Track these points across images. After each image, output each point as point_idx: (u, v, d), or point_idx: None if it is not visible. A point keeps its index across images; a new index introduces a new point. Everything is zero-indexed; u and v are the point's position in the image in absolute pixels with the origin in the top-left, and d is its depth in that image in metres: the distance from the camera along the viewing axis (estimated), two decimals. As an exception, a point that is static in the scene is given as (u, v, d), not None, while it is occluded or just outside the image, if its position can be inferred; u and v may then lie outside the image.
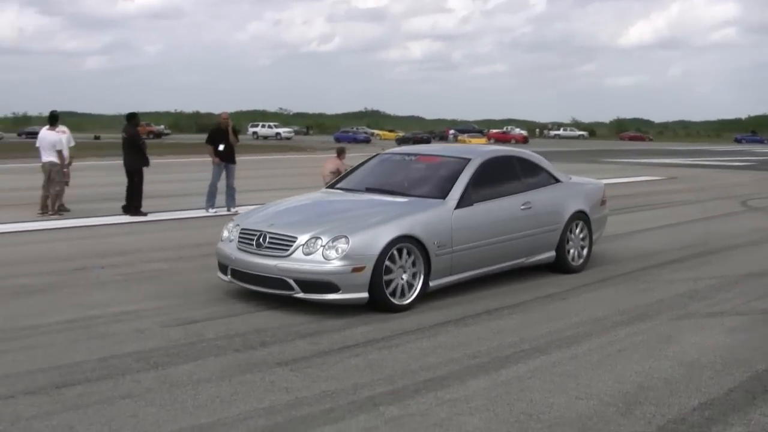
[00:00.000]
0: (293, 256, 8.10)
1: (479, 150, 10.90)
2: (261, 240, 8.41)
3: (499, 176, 9.98)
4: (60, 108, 19.47)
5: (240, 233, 8.74)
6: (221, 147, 17.39)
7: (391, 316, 8.07)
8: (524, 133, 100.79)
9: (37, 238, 13.77)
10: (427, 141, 76.61)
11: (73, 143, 17.31)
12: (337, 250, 7.98)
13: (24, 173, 25.89)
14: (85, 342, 7.06)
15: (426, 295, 8.65)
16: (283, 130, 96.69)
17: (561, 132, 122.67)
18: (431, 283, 8.66)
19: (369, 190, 9.84)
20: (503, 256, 9.65)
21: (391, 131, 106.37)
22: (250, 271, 8.39)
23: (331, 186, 10.68)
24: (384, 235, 8.21)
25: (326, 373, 6.27)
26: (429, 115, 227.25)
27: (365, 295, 8.08)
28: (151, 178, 16.78)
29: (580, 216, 10.75)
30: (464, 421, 5.33)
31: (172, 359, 6.58)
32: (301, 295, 8.04)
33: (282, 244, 8.24)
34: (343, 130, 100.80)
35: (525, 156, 10.85)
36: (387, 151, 11.47)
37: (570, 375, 6.31)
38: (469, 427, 5.21)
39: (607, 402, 5.72)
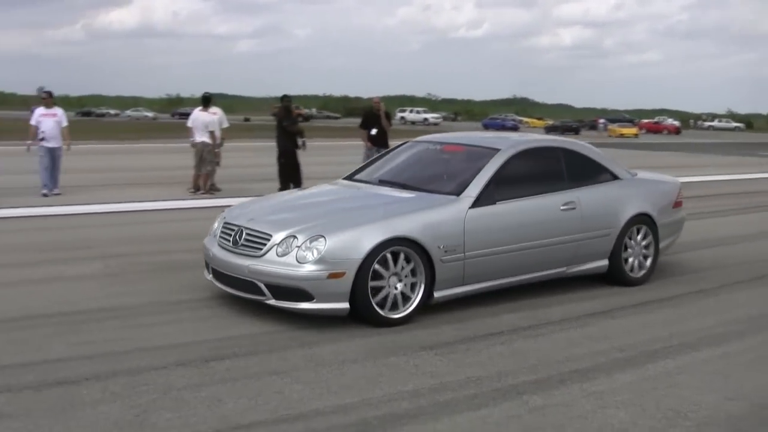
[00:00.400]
0: (266, 256, 7.11)
1: (515, 140, 9.15)
2: (237, 237, 7.49)
3: (536, 171, 8.63)
4: (211, 90, 20.00)
5: (222, 227, 7.89)
6: (374, 131, 17.56)
7: (539, 305, 7.97)
8: (677, 123, 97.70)
9: (189, 216, 14.15)
10: (576, 130, 75.51)
11: (226, 124, 17.75)
12: (313, 252, 6.92)
13: (176, 153, 26.71)
14: (236, 318, 7.27)
15: (570, 283, 8.56)
16: (431, 116, 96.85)
17: (715, 123, 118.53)
18: (437, 294, 7.42)
19: (382, 182, 8.62)
20: (535, 264, 8.21)
21: (539, 119, 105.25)
22: (224, 271, 7.53)
23: (350, 176, 9.24)
24: (371, 236, 7.02)
25: (471, 360, 6.26)
26: (579, 103, 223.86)
27: (345, 305, 6.94)
28: (305, 160, 17.00)
29: (643, 219, 9.11)
30: (610, 414, 5.23)
31: (319, 339, 6.70)
32: (272, 302, 7.07)
33: (256, 243, 7.28)
34: (491, 117, 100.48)
35: (574, 148, 9.19)
36: (418, 138, 10.15)
37: (720, 374, 6.10)
38: (615, 421, 5.12)
39: (759, 404, 5.51)
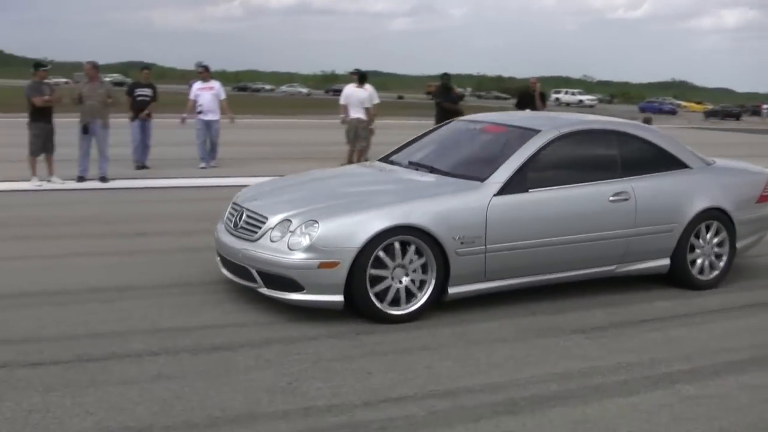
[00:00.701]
0: (260, 241, 6.62)
1: (561, 121, 8.15)
2: (238, 218, 7.06)
3: (583, 156, 7.71)
4: (365, 67, 20.14)
5: (230, 208, 7.43)
6: (527, 112, 17.43)
7: (695, 294, 7.75)
8: None
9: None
10: (737, 116, 72.81)
11: (377, 101, 17.85)
12: (305, 239, 6.37)
13: (329, 128, 27.08)
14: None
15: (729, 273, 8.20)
16: (586, 98, 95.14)
17: None
18: (451, 290, 6.73)
19: (411, 164, 7.89)
20: (575, 261, 7.35)
21: (698, 103, 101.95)
22: (225, 255, 7.14)
23: (386, 156, 8.55)
24: (373, 223, 6.39)
25: (622, 345, 6.14)
26: (741, 87, 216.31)
27: (339, 298, 6.34)
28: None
29: (715, 215, 7.98)
30: (766, 409, 5.04)
31: (468, 317, 6.70)
32: (264, 290, 6.58)
33: (253, 226, 6.80)
34: (648, 100, 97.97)
35: (633, 131, 8.11)
36: (462, 118, 9.47)
37: None
38: (773, 416, 4.93)
39: None
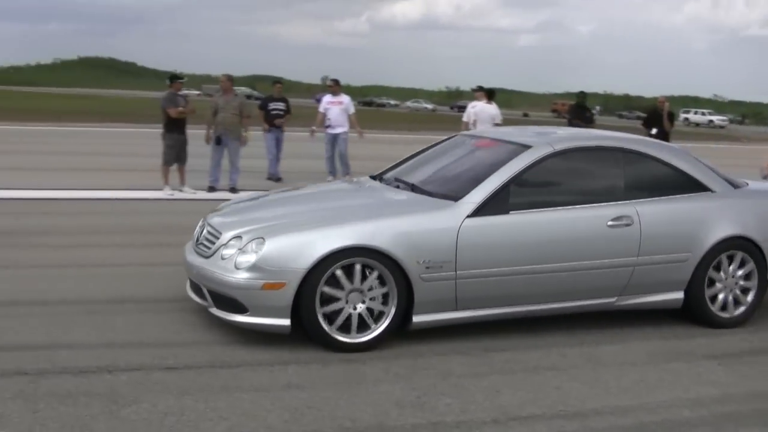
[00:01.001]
0: (212, 258, 6.26)
1: (557, 136, 7.40)
2: (200, 234, 6.76)
3: (580, 175, 7.04)
4: (489, 84, 20.04)
5: (200, 222, 7.06)
6: (654, 131, 17.17)
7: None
8: None
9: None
10: None
11: (499, 120, 17.73)
12: (251, 257, 5.96)
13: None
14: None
15: None
16: (717, 118, 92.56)
17: None
18: (416, 319, 6.16)
19: (396, 181, 7.37)
20: (566, 292, 6.63)
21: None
22: (187, 272, 6.82)
23: (381, 173, 7.97)
24: (324, 242, 5.90)
25: (757, 372, 5.99)
26: None
27: (285, 322, 5.89)
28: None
29: (740, 244, 7.08)
30: None
31: (598, 338, 6.65)
32: (214, 310, 6.23)
33: (209, 242, 6.46)
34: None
35: (643, 149, 7.23)
36: (463, 133, 8.95)
37: None
38: None
39: None
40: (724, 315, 7.11)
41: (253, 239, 6.03)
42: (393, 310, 6.05)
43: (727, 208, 7.20)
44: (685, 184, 7.18)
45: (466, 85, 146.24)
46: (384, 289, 6.01)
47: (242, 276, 5.91)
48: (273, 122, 16.69)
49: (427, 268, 6.04)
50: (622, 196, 6.85)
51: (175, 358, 5.67)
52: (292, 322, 5.89)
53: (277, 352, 5.89)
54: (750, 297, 7.17)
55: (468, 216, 6.24)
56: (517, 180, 6.54)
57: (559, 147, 6.87)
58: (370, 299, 6.01)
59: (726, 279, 7.09)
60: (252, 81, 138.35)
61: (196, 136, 14.67)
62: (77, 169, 17.27)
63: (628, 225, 6.70)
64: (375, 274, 5.98)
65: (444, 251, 6.10)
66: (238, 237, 6.16)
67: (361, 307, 6.00)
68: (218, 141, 14.46)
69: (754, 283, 7.16)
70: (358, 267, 5.93)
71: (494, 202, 6.37)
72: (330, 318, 5.95)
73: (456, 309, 6.29)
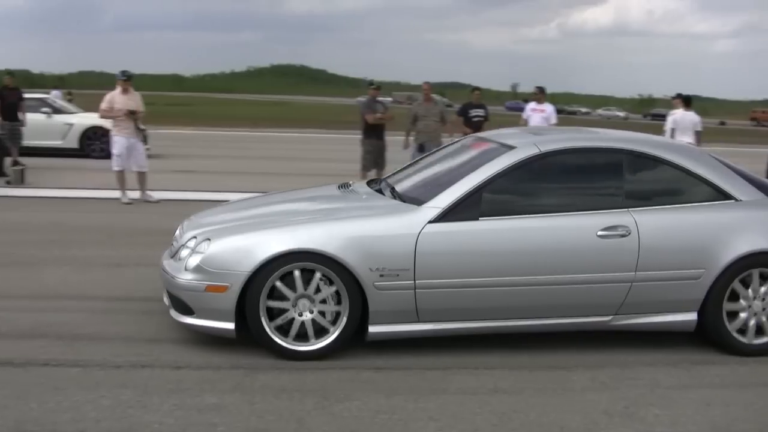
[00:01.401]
0: (171, 259, 6.17)
1: (550, 136, 6.72)
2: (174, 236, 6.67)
3: (571, 179, 6.36)
4: (684, 91, 19.39)
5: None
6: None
7: None
8: None
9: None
10: None
11: (700, 128, 17.15)
12: (197, 258, 5.79)
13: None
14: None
15: None
16: None
17: None
18: (372, 329, 5.81)
19: (387, 186, 6.93)
20: (549, 307, 6.01)
21: None
22: None
23: (379, 179, 7.80)
24: (270, 245, 5.66)
25: None
26: None
27: (228, 326, 5.71)
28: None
29: (763, 261, 6.15)
30: None
31: None
32: (172, 311, 6.10)
33: (175, 242, 6.42)
34: None
35: (655, 152, 6.38)
36: (479, 134, 8.05)
37: None
38: None
39: None
40: (748, 342, 6.21)
41: (203, 240, 5.88)
42: (345, 320, 5.75)
43: (752, 219, 6.24)
44: (703, 192, 6.30)
45: (659, 93, 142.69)
46: (333, 288, 5.73)
47: (187, 277, 5.78)
48: (473, 128, 16.77)
49: (381, 276, 5.65)
50: (619, 204, 6.12)
51: (384, 360, 5.81)
52: (237, 326, 5.72)
53: (484, 357, 5.95)
54: None
55: (430, 221, 5.80)
56: (492, 184, 6.01)
57: (545, 148, 6.23)
58: (321, 302, 5.74)
59: (753, 300, 6.18)
60: (441, 89, 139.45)
61: (394, 142, 14.92)
62: (277, 173, 17.92)
63: (623, 236, 5.95)
64: (317, 275, 5.69)
65: (401, 259, 5.69)
66: (194, 237, 6.02)
67: (309, 315, 5.75)
68: (420, 148, 14.54)
69: None
70: (296, 273, 5.66)
71: (463, 207, 5.87)
72: (278, 324, 5.75)
73: (418, 321, 5.88)
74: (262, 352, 5.77)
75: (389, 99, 74.27)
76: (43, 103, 21.10)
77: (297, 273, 5.66)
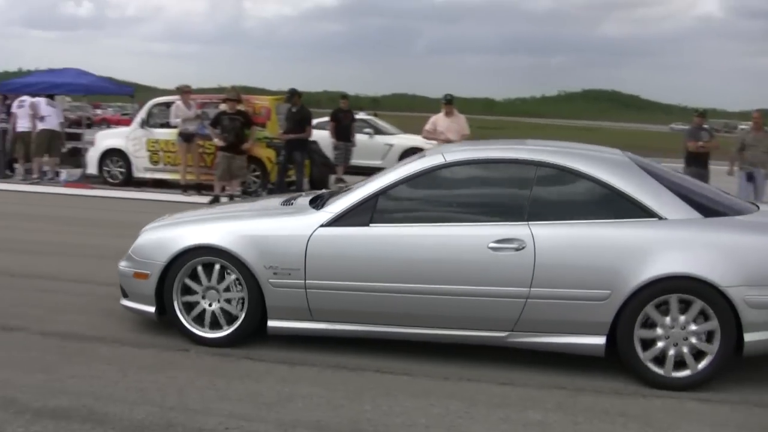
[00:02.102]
0: None
1: (466, 147, 6.78)
2: None
3: (471, 190, 6.34)
4: None
5: None
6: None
7: None
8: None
9: None
10: None
11: None
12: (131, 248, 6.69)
13: None
14: None
15: None
16: None
17: None
18: (271, 324, 6.18)
19: (330, 194, 7.05)
20: (438, 317, 5.90)
21: None
22: None
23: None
24: (183, 240, 6.31)
25: None
26: None
27: (151, 309, 6.45)
28: None
29: (695, 288, 5.53)
30: None
31: None
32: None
33: None
34: None
35: (573, 165, 5.97)
36: None
37: None
38: None
39: None
40: (664, 374, 5.67)
41: (142, 232, 6.78)
42: (246, 310, 6.19)
43: (676, 240, 5.69)
44: (621, 208, 5.83)
45: None
46: (234, 276, 6.20)
47: (122, 264, 6.66)
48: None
49: (275, 273, 6.03)
50: (519, 217, 5.86)
51: (709, 391, 5.64)
52: (158, 310, 6.42)
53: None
54: (703, 362, 5.63)
55: (322, 225, 6.04)
56: (392, 190, 6.14)
57: (451, 158, 6.22)
58: (225, 290, 6.24)
59: (670, 329, 5.63)
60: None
61: (719, 172, 14.51)
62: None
63: (518, 249, 5.70)
64: (222, 269, 6.24)
65: (293, 259, 6.01)
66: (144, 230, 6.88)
67: (215, 305, 6.29)
68: (749, 177, 14.16)
69: (715, 343, 5.58)
70: (199, 268, 6.25)
71: (356, 212, 6.05)
72: (195, 314, 6.37)
73: (311, 320, 6.14)
74: (583, 374, 5.87)
75: (717, 127, 71.51)
76: (366, 124, 22.28)
77: (200, 268, 6.27)
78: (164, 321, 6.51)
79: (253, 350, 6.22)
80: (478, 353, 6.17)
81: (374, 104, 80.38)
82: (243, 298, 6.22)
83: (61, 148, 18.92)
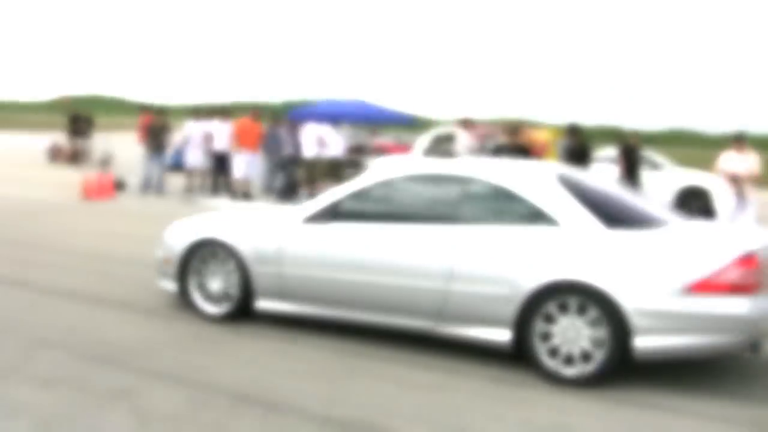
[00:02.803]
0: None
1: (408, 164, 7.51)
2: None
3: (417, 198, 7.12)
4: None
5: None
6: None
7: None
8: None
9: None
10: None
11: None
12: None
13: None
14: None
15: None
16: None
17: None
18: (258, 303, 7.53)
19: None
20: (381, 305, 6.89)
21: None
22: None
23: None
24: (190, 235, 7.93)
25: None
26: None
27: (173, 286, 8.04)
28: None
29: (586, 293, 6.10)
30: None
31: None
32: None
33: None
34: None
35: (488, 178, 6.87)
36: None
37: None
38: None
39: None
40: (556, 370, 6.30)
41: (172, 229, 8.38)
42: (238, 288, 7.58)
43: (565, 246, 6.36)
44: (524, 213, 6.61)
45: None
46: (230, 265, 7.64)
47: (158, 253, 8.34)
48: None
49: (259, 258, 7.43)
50: (451, 220, 6.76)
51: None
52: (180, 288, 7.98)
53: None
54: (596, 360, 6.18)
55: (301, 221, 7.35)
56: (357, 195, 7.26)
57: (394, 174, 7.25)
58: (229, 276, 7.67)
59: (563, 330, 6.28)
60: None
61: None
62: None
63: (441, 248, 6.60)
64: (221, 256, 7.70)
65: (273, 247, 7.36)
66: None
67: (216, 284, 7.77)
68: None
69: (610, 340, 6.12)
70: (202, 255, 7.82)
71: (327, 211, 7.27)
72: (200, 294, 7.86)
73: (281, 299, 7.42)
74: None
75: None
76: (646, 159, 21.20)
77: (199, 254, 7.81)
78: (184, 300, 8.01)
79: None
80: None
81: (649, 140, 77.81)
82: (239, 280, 7.61)
83: (344, 174, 19.57)
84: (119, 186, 19.23)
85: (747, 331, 5.94)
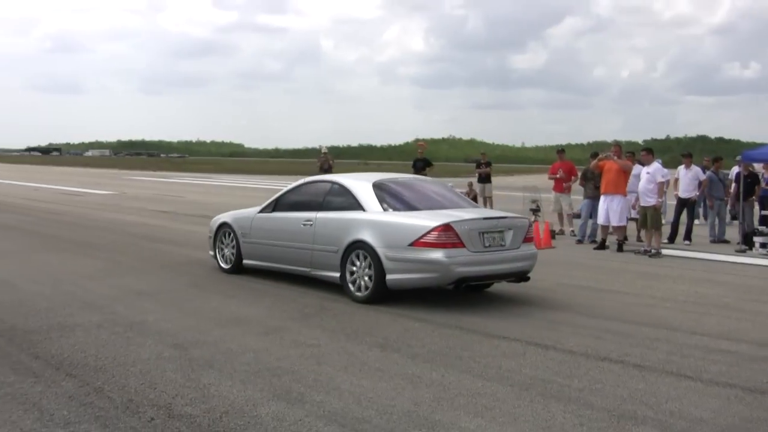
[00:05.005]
0: None
1: (316, 176, 14.52)
2: None
3: (306, 196, 12.14)
4: None
5: None
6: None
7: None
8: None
9: None
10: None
11: None
12: None
13: None
14: None
15: None
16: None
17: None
18: (244, 262, 12.79)
19: None
20: (287, 259, 11.93)
21: None
22: None
23: None
24: (218, 220, 13.53)
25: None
26: None
27: (211, 253, 13.55)
28: None
29: (362, 246, 10.60)
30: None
31: None
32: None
33: None
34: None
35: (343, 182, 11.77)
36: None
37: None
38: None
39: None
40: (359, 294, 10.60)
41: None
42: (234, 252, 13.01)
43: (363, 221, 10.76)
44: (354, 204, 11.11)
45: None
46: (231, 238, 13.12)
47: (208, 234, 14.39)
48: None
49: (242, 235, 12.78)
50: (319, 209, 11.54)
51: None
52: (213, 254, 13.79)
53: None
54: (370, 285, 10.44)
55: (258, 212, 12.73)
56: (283, 196, 12.50)
57: (306, 180, 12.75)
58: (227, 245, 13.16)
59: (357, 270, 10.63)
60: None
61: None
62: None
63: (311, 225, 11.44)
64: (227, 232, 13.20)
65: (248, 227, 12.74)
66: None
67: (227, 251, 13.29)
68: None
69: (372, 273, 10.38)
70: (220, 232, 13.39)
71: (271, 207, 12.55)
72: (221, 256, 13.45)
73: (252, 259, 12.65)
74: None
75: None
76: None
77: (221, 232, 13.35)
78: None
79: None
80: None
81: None
82: (234, 248, 12.97)
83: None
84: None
85: (443, 270, 10.03)
